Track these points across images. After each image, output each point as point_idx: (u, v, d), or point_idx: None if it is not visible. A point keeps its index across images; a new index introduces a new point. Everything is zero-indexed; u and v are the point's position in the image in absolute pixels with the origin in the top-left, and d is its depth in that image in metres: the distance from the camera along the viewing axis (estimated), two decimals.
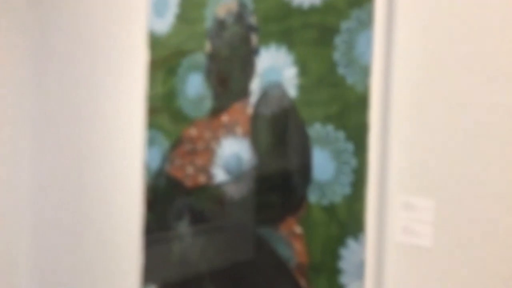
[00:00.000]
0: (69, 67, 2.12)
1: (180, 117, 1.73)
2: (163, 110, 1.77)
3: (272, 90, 1.47)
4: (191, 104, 1.69)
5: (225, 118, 1.59)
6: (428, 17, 1.21)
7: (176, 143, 1.74)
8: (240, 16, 1.54)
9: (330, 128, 1.35)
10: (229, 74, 1.57)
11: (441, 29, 1.19)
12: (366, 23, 1.28)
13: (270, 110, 1.47)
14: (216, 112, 1.62)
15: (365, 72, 1.28)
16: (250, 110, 1.52)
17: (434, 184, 1.19)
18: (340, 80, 1.33)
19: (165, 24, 1.75)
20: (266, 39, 1.48)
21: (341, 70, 1.33)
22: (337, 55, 1.34)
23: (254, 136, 1.51)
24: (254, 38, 1.51)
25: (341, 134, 1.34)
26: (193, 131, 1.69)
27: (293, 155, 1.42)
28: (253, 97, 1.52)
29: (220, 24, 1.59)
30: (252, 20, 1.51)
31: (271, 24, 1.47)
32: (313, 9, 1.38)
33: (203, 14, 1.64)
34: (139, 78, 1.87)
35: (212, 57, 1.61)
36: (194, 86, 1.68)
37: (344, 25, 1.32)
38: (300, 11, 1.41)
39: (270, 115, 1.48)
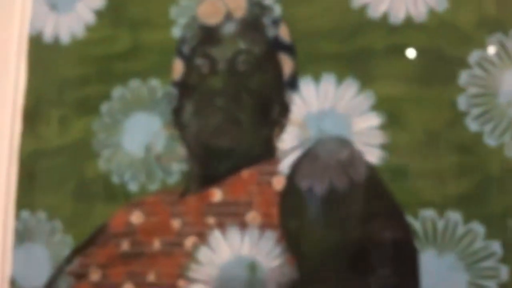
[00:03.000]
0: None
1: (104, 192, 0.93)
2: (62, 180, 0.95)
3: (327, 150, 0.85)
4: (133, 168, 0.92)
5: (217, 194, 0.88)
6: None
7: (94, 239, 0.92)
8: (254, 24, 0.90)
9: (454, 217, 0.80)
10: (231, 120, 0.89)
11: None
12: None
13: (323, 183, 0.84)
14: (197, 184, 0.90)
15: None
16: (278, 182, 0.86)
17: None
18: (471, 139, 0.81)
19: (73, 24, 0.98)
20: (312, 66, 0.88)
21: (472, 124, 0.82)
22: (463, 100, 0.82)
23: (289, 232, 0.85)
24: (287, 63, 0.89)
25: (478, 228, 0.79)
26: (136, 218, 0.91)
27: (383, 273, 0.80)
28: (286, 161, 0.87)
29: (207, 34, 0.92)
30: (281, 32, 0.89)
31: (323, 41, 0.88)
32: (412, 26, 0.85)
33: (165, 14, 0.94)
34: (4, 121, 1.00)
35: (189, 88, 0.91)
36: (142, 135, 0.93)
37: (476, 55, 0.83)
38: (386, 27, 0.86)
39: (324, 194, 0.84)
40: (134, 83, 0.94)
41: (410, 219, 0.80)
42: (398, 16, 0.85)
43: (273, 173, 0.86)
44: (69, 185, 0.95)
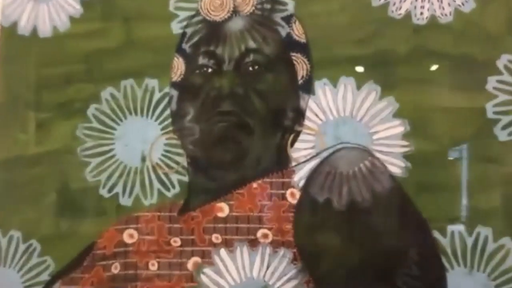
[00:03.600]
0: None
1: (92, 207, 0.82)
2: (41, 193, 0.84)
3: (346, 160, 0.78)
4: (126, 179, 0.82)
5: (224, 209, 0.79)
6: None
7: (80, 262, 0.81)
8: (264, 20, 0.82)
9: (484, 233, 0.75)
10: (239, 126, 0.80)
11: None
12: None
13: (342, 196, 0.77)
14: (200, 198, 0.81)
15: None
16: (292, 195, 0.78)
17: None
18: (500, 149, 0.76)
19: (55, 14, 0.86)
20: (328, 68, 0.80)
21: (501, 133, 0.76)
22: (492, 108, 0.77)
23: (305, 250, 0.77)
24: (302, 64, 0.81)
25: (510, 244, 0.74)
26: (130, 236, 0.81)
27: None
28: (300, 172, 0.79)
29: (212, 30, 0.82)
30: (294, 30, 0.81)
31: (340, 41, 0.80)
32: (437, 28, 0.79)
33: (164, 6, 0.84)
34: None
35: (191, 90, 0.82)
36: (136, 143, 0.83)
37: (505, 59, 0.78)
38: (409, 28, 0.80)
39: (343, 208, 0.77)
40: (127, 84, 0.83)
41: (437, 235, 0.75)
42: (421, 16, 0.79)
43: (287, 185, 0.78)
44: (49, 199, 0.83)
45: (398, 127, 0.78)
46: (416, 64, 0.78)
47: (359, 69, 0.79)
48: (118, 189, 0.82)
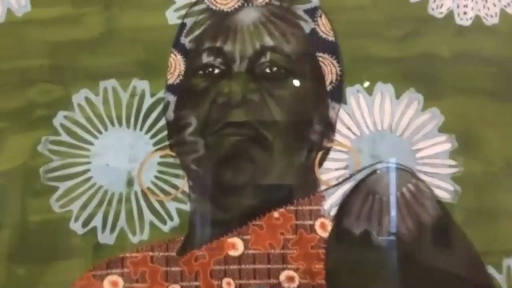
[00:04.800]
0: None
1: (61, 245, 0.64)
2: None
3: (385, 183, 0.65)
4: (107, 209, 0.64)
5: (237, 246, 0.64)
6: None
7: None
8: (283, 13, 0.68)
9: None
10: (255, 141, 0.65)
11: None
12: None
13: (382, 227, 0.64)
14: (206, 232, 0.64)
15: None
16: (322, 226, 0.64)
17: None
18: None
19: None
20: (362, 73, 0.68)
21: None
22: None
23: None
24: (330, 67, 0.67)
25: None
26: (113, 284, 0.63)
27: None
28: (331, 197, 0.65)
29: (219, 21, 0.67)
30: (320, 26, 0.68)
31: (375, 40, 0.68)
32: (481, 29, 0.69)
33: None
34: None
35: (192, 95, 0.66)
36: (121, 161, 0.66)
37: None
38: (451, 28, 0.69)
39: (384, 241, 0.64)
40: (108, 86, 0.66)
41: (491, 271, 0.65)
42: (465, 15, 0.69)
43: (315, 214, 0.65)
44: (2, 236, 0.64)
45: (444, 144, 0.67)
46: (463, 71, 0.69)
47: (398, 73, 0.67)
48: (96, 222, 0.65)
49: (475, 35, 0.69)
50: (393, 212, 0.64)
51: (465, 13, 0.70)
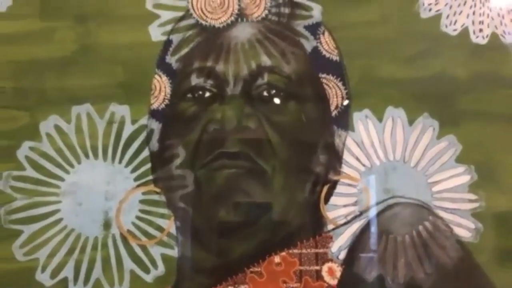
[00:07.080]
0: None
1: None
2: None
3: (400, 221, 0.58)
4: (81, 257, 0.56)
5: None
6: None
7: None
8: (281, 29, 0.60)
9: None
10: (252, 175, 0.57)
11: None
12: None
13: (398, 271, 0.57)
14: (196, 280, 0.56)
15: None
16: (330, 272, 0.57)
17: None
18: None
19: None
20: (371, 96, 0.61)
21: None
22: None
23: None
24: (335, 89, 0.60)
25: None
26: None
27: None
28: (339, 239, 0.57)
29: (210, 39, 0.60)
30: (323, 44, 0.61)
31: (384, 60, 0.61)
32: (498, 48, 0.63)
33: (140, 2, 0.60)
34: None
35: (180, 121, 0.59)
36: (96, 200, 0.57)
37: None
38: (466, 47, 0.63)
39: (400, 287, 0.57)
40: (82, 111, 0.57)
41: None
42: (481, 33, 0.63)
43: (322, 258, 0.58)
44: None
45: (463, 176, 0.61)
46: (481, 93, 0.62)
47: (411, 96, 0.60)
48: (67, 272, 0.58)
49: (492, 54, 0.63)
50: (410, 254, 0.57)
51: (481, 30, 0.63)
